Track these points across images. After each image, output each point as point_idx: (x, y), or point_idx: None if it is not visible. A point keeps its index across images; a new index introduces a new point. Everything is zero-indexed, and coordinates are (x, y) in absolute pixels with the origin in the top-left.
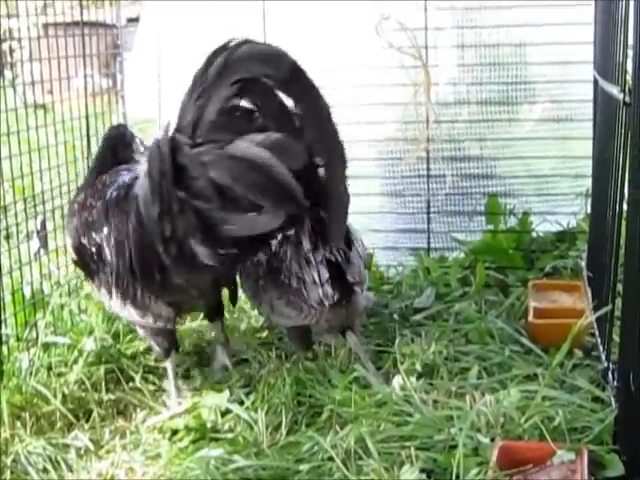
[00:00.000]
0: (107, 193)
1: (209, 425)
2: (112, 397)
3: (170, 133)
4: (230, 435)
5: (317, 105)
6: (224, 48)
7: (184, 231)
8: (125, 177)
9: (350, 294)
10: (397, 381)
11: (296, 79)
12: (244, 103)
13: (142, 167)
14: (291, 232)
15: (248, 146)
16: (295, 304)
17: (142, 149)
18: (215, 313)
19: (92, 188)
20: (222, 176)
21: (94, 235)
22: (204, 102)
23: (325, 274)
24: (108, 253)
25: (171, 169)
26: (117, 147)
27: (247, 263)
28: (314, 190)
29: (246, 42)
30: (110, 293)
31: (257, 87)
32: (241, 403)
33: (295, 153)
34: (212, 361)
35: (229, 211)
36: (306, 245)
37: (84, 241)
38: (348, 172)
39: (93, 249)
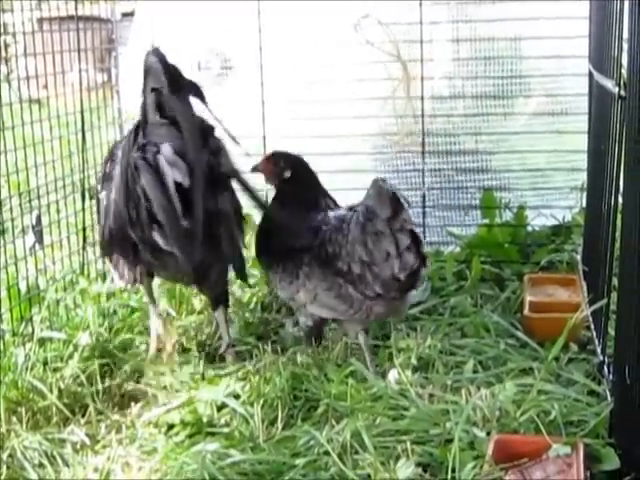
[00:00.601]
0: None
1: (205, 420)
2: (107, 391)
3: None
4: (226, 429)
5: (187, 117)
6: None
7: (144, 220)
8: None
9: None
10: (393, 375)
11: (174, 90)
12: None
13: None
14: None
15: (164, 164)
16: (346, 297)
17: None
18: (215, 302)
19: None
20: (145, 184)
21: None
22: (143, 101)
23: (405, 240)
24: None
25: (131, 164)
26: None
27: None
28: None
29: (154, 51)
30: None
31: (160, 97)
32: (237, 397)
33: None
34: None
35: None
36: (384, 213)
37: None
38: (344, 166)
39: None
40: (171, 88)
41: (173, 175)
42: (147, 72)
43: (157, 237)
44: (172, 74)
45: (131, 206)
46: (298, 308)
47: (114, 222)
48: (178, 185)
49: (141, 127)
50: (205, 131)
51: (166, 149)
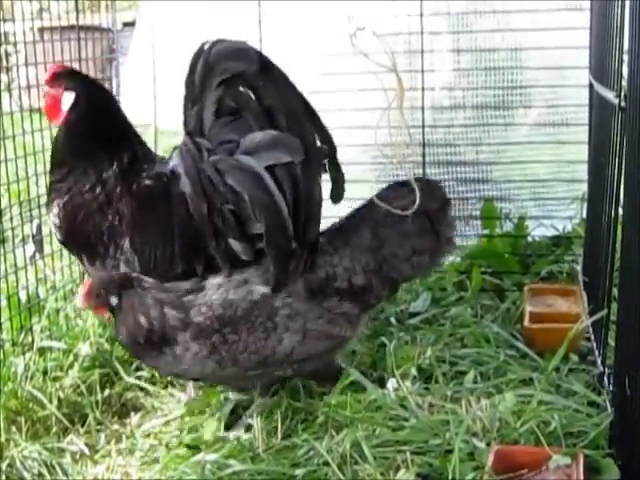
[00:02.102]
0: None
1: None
2: (107, 401)
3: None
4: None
5: (290, 93)
6: (200, 52)
7: (226, 227)
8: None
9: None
10: (392, 384)
11: (266, 70)
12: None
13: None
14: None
15: (255, 162)
16: (335, 321)
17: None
18: None
19: None
20: (236, 184)
21: None
22: (199, 108)
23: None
24: None
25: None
26: None
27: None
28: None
29: (217, 42)
30: None
31: (235, 86)
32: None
33: (294, 147)
34: None
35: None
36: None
37: None
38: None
39: None
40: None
41: (277, 157)
42: (210, 66)
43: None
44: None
45: (215, 215)
46: None
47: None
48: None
49: (194, 137)
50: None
51: (250, 137)
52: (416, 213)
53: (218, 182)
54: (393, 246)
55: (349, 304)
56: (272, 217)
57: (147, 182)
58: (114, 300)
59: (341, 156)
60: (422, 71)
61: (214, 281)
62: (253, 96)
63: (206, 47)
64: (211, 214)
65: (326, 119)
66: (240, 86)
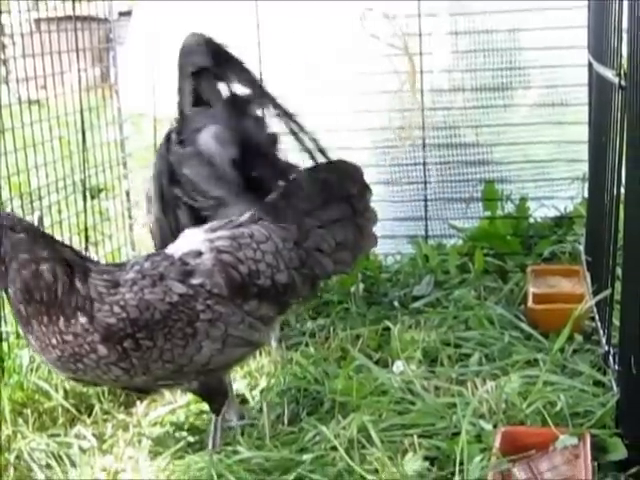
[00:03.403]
0: None
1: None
2: (113, 391)
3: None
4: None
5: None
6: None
7: (183, 225)
8: None
9: None
10: (397, 367)
11: (221, 61)
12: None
13: None
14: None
15: (205, 141)
16: (255, 326)
17: None
18: None
19: None
20: (190, 172)
21: None
22: (180, 97)
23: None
24: None
25: (166, 168)
26: None
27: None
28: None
29: (189, 36)
30: None
31: (201, 78)
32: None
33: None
34: None
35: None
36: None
37: None
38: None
39: None
40: (215, 64)
41: (224, 152)
42: (185, 56)
43: None
44: (215, 50)
45: (169, 215)
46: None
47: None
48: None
49: (177, 126)
50: (243, 100)
51: (209, 130)
52: (337, 198)
53: (180, 173)
54: (317, 238)
55: (267, 306)
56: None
57: None
58: None
59: (342, 141)
60: (420, 54)
61: (127, 276)
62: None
63: (182, 40)
64: (166, 214)
65: (327, 104)
66: (204, 78)
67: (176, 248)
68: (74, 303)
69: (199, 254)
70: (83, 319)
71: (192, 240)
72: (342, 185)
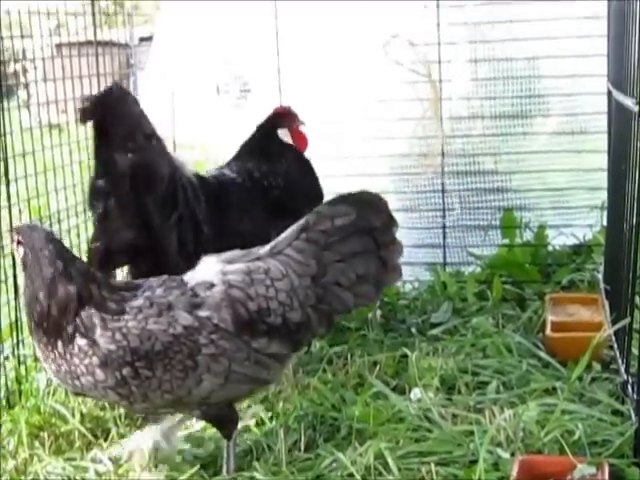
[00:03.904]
0: None
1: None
2: (129, 415)
3: None
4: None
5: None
6: None
7: None
8: None
9: None
10: (414, 394)
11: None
12: None
13: None
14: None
15: None
16: (263, 363)
17: None
18: None
19: None
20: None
21: None
22: None
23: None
24: None
25: None
26: None
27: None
28: None
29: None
30: None
31: None
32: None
33: None
34: None
35: None
36: None
37: None
38: (365, 187)
39: None
40: None
41: None
42: None
43: None
44: None
45: None
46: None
47: None
48: None
49: None
50: None
51: None
52: (359, 231)
53: None
54: (336, 272)
55: (279, 343)
56: None
57: None
58: None
59: (363, 168)
60: (440, 81)
61: (135, 303)
62: None
63: None
64: None
65: (348, 130)
66: None
67: (192, 276)
68: (75, 326)
69: (211, 286)
70: (82, 341)
71: (208, 270)
72: (364, 217)
